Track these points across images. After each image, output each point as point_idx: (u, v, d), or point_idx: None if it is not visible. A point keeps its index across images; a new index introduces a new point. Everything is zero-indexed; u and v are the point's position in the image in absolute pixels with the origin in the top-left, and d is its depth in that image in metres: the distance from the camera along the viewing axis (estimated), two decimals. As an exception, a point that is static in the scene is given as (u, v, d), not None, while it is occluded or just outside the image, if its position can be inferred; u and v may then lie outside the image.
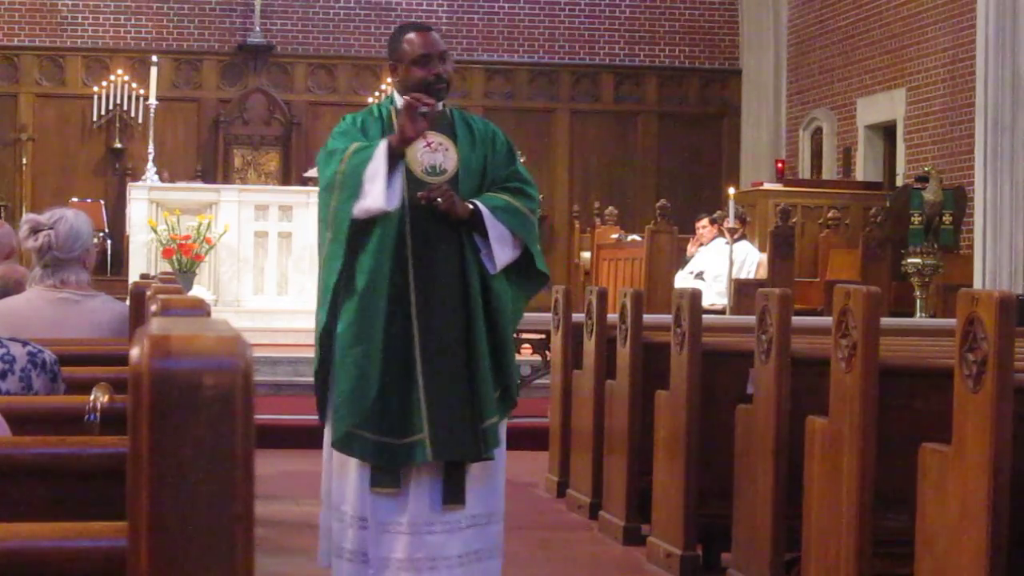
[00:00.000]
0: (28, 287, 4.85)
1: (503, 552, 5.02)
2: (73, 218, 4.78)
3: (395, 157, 4.81)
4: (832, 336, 4.75)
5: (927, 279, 11.74)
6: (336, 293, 4.83)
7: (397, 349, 4.80)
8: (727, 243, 12.13)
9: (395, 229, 4.83)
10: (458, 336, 4.85)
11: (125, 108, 17.65)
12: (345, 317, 4.83)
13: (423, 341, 4.81)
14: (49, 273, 4.74)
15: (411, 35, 4.99)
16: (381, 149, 4.78)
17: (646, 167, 18.84)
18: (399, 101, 4.95)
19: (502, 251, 4.87)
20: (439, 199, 4.80)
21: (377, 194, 4.75)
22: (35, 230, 4.74)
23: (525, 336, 9.93)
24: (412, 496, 4.81)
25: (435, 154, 4.92)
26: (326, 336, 4.86)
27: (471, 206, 4.85)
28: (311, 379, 10.84)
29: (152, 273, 11.19)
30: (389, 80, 17.14)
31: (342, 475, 4.87)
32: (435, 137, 4.94)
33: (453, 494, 4.84)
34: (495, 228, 4.86)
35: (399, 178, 4.82)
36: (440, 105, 4.97)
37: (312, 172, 15.69)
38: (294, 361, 11.67)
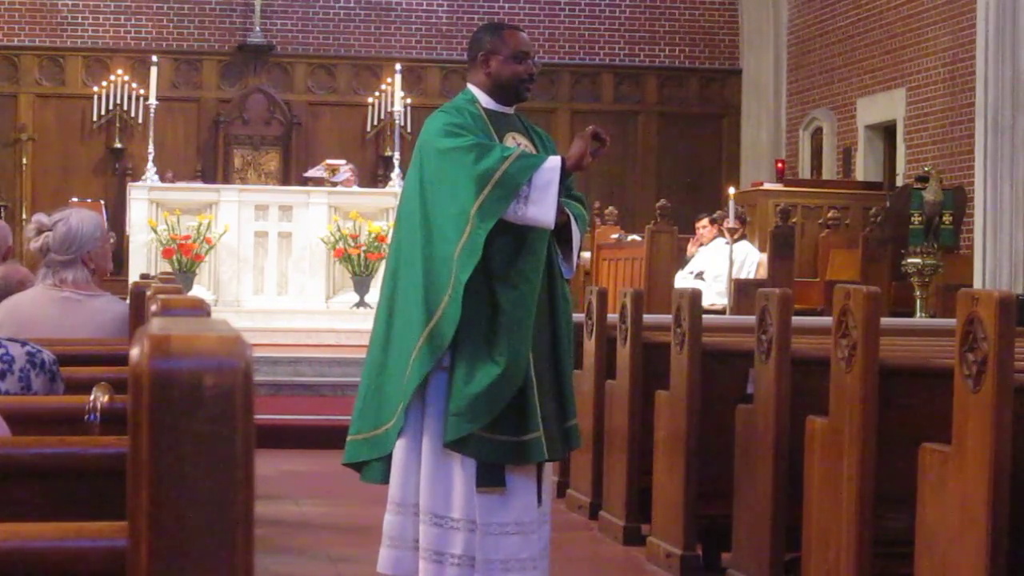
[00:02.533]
0: (35, 286, 4.88)
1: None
2: (75, 221, 4.80)
3: (564, 178, 4.78)
4: (832, 336, 4.75)
5: (927, 279, 11.73)
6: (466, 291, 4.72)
7: None
8: (727, 243, 12.13)
9: (546, 246, 4.86)
10: (549, 339, 4.90)
11: (125, 108, 17.64)
12: (477, 318, 4.75)
13: (534, 343, 4.85)
14: (50, 273, 4.77)
15: (510, 31, 5.04)
16: (556, 163, 4.74)
17: (646, 167, 18.84)
18: (482, 98, 4.98)
19: (576, 257, 4.96)
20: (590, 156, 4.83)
21: (549, 207, 4.70)
22: (39, 231, 4.79)
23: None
24: (519, 496, 4.83)
25: None
26: (442, 336, 4.73)
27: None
28: (310, 379, 10.83)
29: (152, 273, 11.20)
30: (389, 80, 17.15)
31: (444, 480, 4.81)
32: (521, 139, 4.97)
33: (541, 493, 4.91)
34: (576, 235, 4.91)
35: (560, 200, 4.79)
36: (511, 108, 5.05)
37: (312, 172, 15.71)
38: (294, 361, 11.68)
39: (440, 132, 4.84)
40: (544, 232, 4.81)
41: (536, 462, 4.82)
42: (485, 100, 4.98)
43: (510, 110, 5.05)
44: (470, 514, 4.79)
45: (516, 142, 4.95)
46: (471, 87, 5.03)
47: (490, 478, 4.77)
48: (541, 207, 4.69)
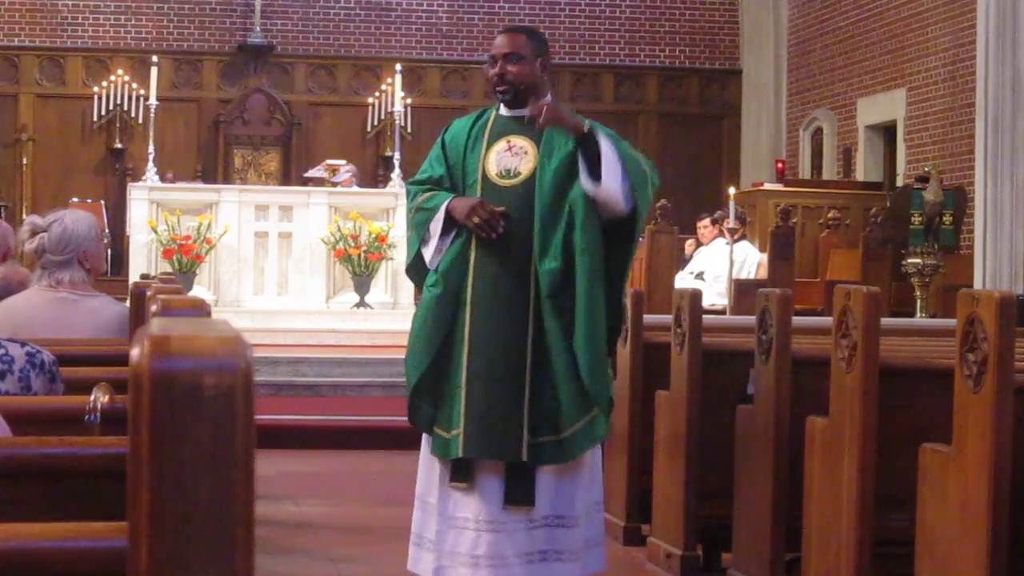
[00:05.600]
0: (31, 287, 4.88)
1: (593, 559, 4.99)
2: (70, 221, 4.80)
3: (452, 221, 4.96)
4: (832, 336, 4.75)
5: (927, 279, 11.73)
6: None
7: (449, 350, 4.94)
8: (727, 243, 12.13)
9: (465, 245, 4.99)
10: (516, 346, 4.88)
11: (125, 108, 17.65)
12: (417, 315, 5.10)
13: (481, 348, 4.89)
14: (46, 275, 4.77)
15: (497, 35, 5.16)
16: (441, 213, 4.96)
17: (646, 167, 18.83)
18: (502, 107, 5.08)
19: (610, 177, 4.75)
20: (540, 117, 4.79)
21: (431, 251, 5.00)
22: (33, 232, 4.79)
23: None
24: (481, 493, 4.87)
25: (514, 158, 4.96)
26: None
27: (585, 125, 4.81)
28: (311, 379, 10.95)
29: (152, 273, 11.20)
30: (389, 80, 17.15)
31: (432, 467, 4.99)
32: (518, 140, 4.98)
33: (517, 494, 4.86)
34: (608, 148, 4.76)
35: (448, 240, 4.99)
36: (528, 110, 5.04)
37: (312, 172, 15.72)
38: (294, 361, 11.68)
39: None
40: (443, 251, 4.98)
41: (452, 457, 4.88)
42: (502, 107, 5.10)
43: (526, 111, 5.04)
44: (440, 504, 4.92)
45: (509, 144, 4.97)
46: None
47: (459, 473, 4.90)
48: (428, 251, 5.01)
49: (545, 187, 4.90)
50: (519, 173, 4.93)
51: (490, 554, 4.83)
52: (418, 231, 5.01)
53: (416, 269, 5.09)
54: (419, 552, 4.97)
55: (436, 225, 4.95)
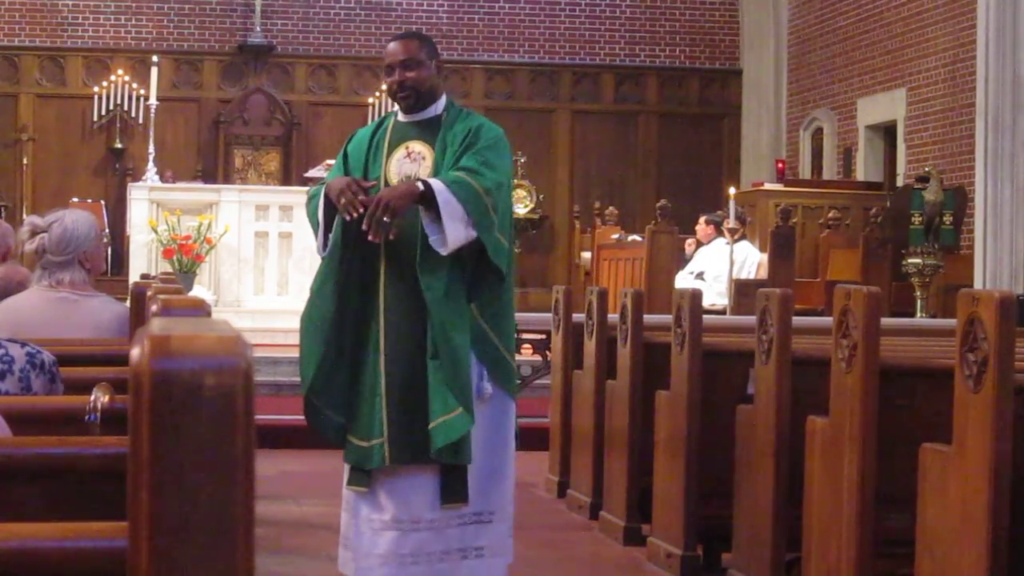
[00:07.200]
0: (31, 287, 4.88)
1: (510, 551, 5.05)
2: (70, 221, 4.80)
3: (330, 208, 4.95)
4: (832, 336, 4.75)
5: (927, 279, 11.74)
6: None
7: (364, 358, 4.96)
8: (727, 243, 12.13)
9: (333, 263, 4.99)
10: (415, 343, 4.88)
11: (125, 108, 17.64)
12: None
13: (387, 347, 4.92)
14: (46, 275, 4.77)
15: (388, 45, 5.15)
16: (322, 200, 4.96)
17: (646, 167, 18.84)
18: (399, 111, 5.10)
19: (454, 228, 4.74)
20: (384, 219, 4.76)
21: (320, 237, 5.01)
22: (33, 233, 4.79)
23: (526, 336, 9.95)
24: (407, 494, 4.89)
25: (412, 164, 4.99)
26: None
27: (420, 186, 4.78)
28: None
29: (153, 273, 11.19)
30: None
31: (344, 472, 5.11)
32: (416, 146, 5.02)
33: (453, 492, 4.87)
34: (444, 199, 4.73)
35: (333, 227, 4.95)
36: (440, 107, 5.04)
37: (312, 172, 15.71)
38: (295, 361, 11.62)
39: None
40: (331, 257, 4.96)
41: (374, 468, 4.90)
42: (400, 113, 5.11)
43: (426, 114, 5.05)
44: (347, 504, 5.05)
45: (407, 151, 5.01)
46: None
47: (357, 478, 4.97)
48: (319, 237, 5.03)
49: None
50: (418, 179, 4.94)
51: (416, 552, 4.87)
52: (312, 220, 5.05)
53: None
54: (345, 553, 5.07)
55: (320, 214, 4.97)
